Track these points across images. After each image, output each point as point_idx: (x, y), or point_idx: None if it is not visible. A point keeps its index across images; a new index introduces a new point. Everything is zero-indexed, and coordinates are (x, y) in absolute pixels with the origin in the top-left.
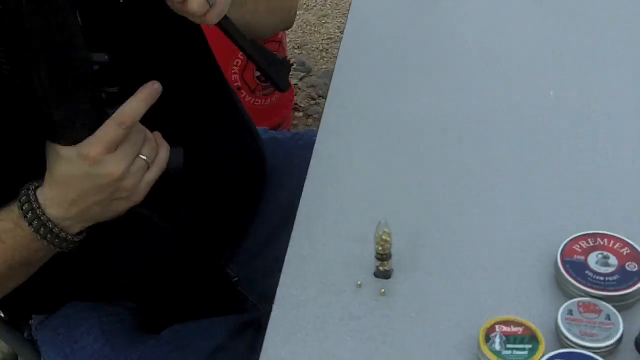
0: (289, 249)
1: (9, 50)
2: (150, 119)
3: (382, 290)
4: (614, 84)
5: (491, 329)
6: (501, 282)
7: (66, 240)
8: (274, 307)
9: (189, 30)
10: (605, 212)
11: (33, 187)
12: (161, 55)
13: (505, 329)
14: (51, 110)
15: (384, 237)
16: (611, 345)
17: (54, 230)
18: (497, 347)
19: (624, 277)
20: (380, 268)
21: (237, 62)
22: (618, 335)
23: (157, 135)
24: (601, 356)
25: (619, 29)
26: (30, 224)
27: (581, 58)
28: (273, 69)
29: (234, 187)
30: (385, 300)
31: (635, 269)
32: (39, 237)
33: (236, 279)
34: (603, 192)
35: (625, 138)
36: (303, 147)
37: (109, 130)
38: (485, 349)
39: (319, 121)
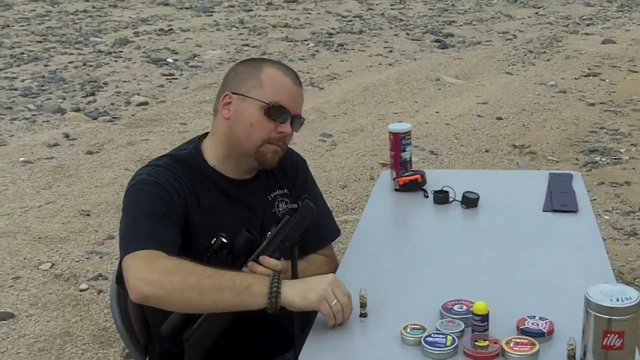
0: None
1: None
2: None
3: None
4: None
5: None
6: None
7: (274, 298)
8: None
9: None
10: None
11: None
12: None
13: None
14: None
15: (362, 294)
16: None
17: (277, 285)
18: None
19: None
20: (362, 311)
21: None
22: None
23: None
24: None
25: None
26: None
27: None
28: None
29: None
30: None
31: (464, 308)
32: (267, 289)
33: None
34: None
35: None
36: None
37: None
38: None
39: None
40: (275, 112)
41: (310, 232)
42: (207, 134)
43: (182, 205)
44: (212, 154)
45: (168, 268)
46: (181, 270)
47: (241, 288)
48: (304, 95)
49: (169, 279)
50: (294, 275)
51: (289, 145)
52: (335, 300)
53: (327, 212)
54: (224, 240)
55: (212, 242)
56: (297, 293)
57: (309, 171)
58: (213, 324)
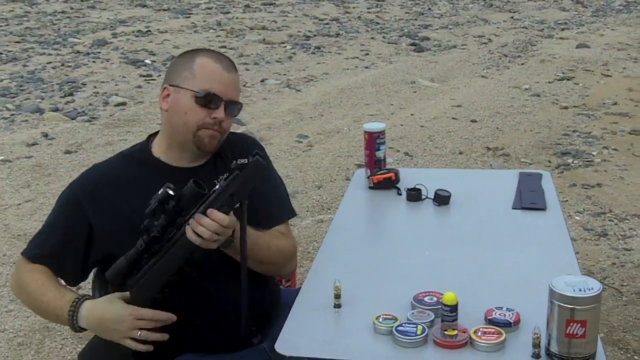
0: None
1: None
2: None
3: (337, 310)
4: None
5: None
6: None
7: (74, 325)
8: None
9: None
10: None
11: (86, 298)
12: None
13: None
14: (141, 275)
15: (337, 286)
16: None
17: (74, 318)
18: None
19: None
20: (336, 302)
21: None
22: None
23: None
24: None
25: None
26: (71, 306)
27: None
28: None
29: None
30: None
31: (434, 299)
32: (67, 312)
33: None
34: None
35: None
36: None
37: (149, 315)
38: None
39: None
40: (206, 99)
41: (261, 210)
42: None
43: (103, 206)
44: (158, 146)
45: (21, 285)
46: (24, 291)
47: (55, 316)
48: (239, 80)
49: (19, 293)
50: (243, 235)
51: (246, 132)
52: (139, 332)
53: (282, 192)
54: (171, 192)
55: (159, 192)
56: (91, 328)
57: (261, 147)
58: (156, 274)
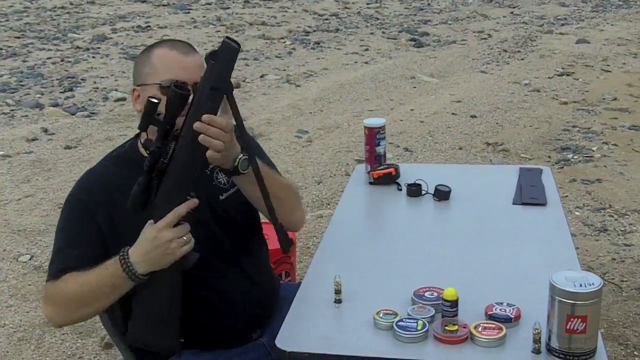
0: None
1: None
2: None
3: (337, 305)
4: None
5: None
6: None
7: (135, 276)
8: None
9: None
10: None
11: (127, 248)
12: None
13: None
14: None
15: (337, 281)
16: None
17: (131, 271)
18: None
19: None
20: (336, 297)
21: None
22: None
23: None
24: None
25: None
26: (121, 262)
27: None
28: (282, 232)
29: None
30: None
31: (435, 295)
32: (122, 269)
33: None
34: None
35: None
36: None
37: (170, 217)
38: None
39: None
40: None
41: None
42: None
43: (106, 208)
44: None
45: (61, 298)
46: (66, 299)
47: (111, 287)
48: (202, 60)
49: (62, 307)
50: (241, 129)
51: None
52: (173, 246)
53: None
54: (154, 100)
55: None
56: (148, 266)
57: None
58: (171, 192)
